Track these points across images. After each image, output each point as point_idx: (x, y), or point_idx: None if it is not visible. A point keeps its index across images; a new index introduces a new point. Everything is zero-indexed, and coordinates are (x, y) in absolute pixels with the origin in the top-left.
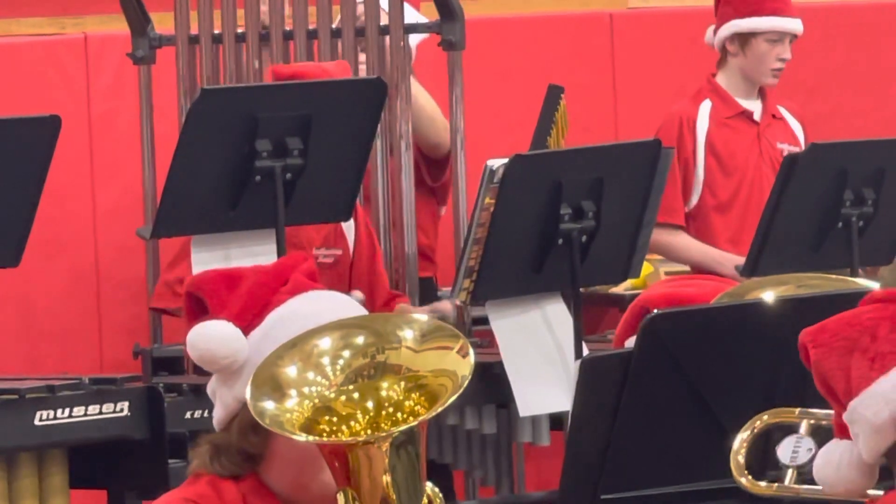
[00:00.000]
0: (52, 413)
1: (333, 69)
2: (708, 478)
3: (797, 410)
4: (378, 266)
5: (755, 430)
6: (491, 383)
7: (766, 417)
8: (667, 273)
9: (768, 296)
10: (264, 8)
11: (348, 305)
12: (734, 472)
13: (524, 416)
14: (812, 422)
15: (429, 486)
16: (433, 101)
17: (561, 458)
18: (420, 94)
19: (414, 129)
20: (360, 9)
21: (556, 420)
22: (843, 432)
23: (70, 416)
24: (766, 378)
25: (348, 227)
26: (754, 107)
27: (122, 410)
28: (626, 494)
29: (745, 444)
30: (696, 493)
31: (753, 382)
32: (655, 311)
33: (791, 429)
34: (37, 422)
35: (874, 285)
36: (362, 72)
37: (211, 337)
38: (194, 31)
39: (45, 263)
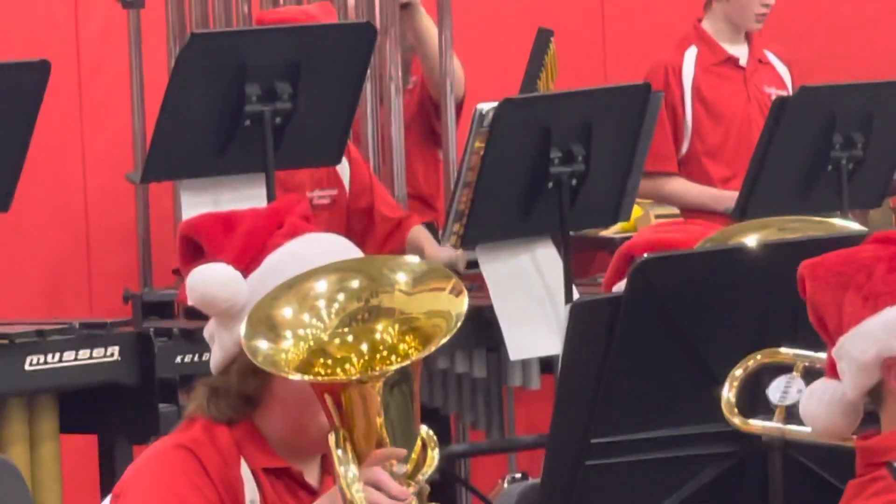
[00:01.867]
0: (42, 358)
1: (318, 12)
2: (697, 422)
3: (791, 352)
4: (377, 198)
5: (748, 369)
6: (481, 327)
7: (759, 357)
8: (657, 216)
9: (750, 240)
10: None
11: (345, 247)
12: (724, 410)
13: (514, 359)
14: (806, 364)
15: (424, 429)
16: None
17: (551, 402)
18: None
19: (431, 75)
20: None
21: (546, 364)
22: (834, 368)
23: (60, 360)
24: (755, 322)
25: (342, 167)
26: (740, 52)
27: (112, 355)
28: (615, 438)
29: (736, 383)
30: (686, 437)
31: (743, 327)
32: (645, 255)
33: (783, 370)
34: (27, 367)
35: (856, 226)
36: (352, 15)
37: (211, 280)
38: None
39: (35, 209)
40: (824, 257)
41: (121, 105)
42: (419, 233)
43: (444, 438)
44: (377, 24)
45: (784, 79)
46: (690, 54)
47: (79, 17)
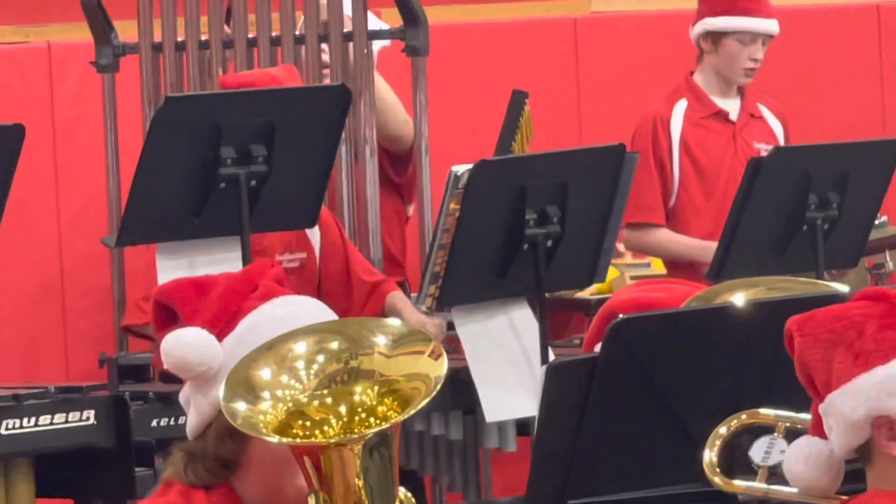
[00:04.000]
0: (17, 422)
1: (282, 75)
2: (673, 482)
3: (773, 413)
4: (353, 262)
5: (731, 430)
6: (457, 389)
7: (743, 417)
8: (633, 277)
9: (738, 299)
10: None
11: (319, 309)
12: (706, 470)
13: (491, 421)
14: (787, 424)
15: (402, 491)
16: (393, 94)
17: (527, 464)
18: (381, 87)
19: (381, 125)
20: (324, 15)
21: (522, 426)
22: (819, 425)
23: (36, 424)
24: (731, 382)
25: (312, 230)
26: (731, 106)
27: (88, 419)
28: (592, 499)
29: (718, 443)
30: (663, 497)
31: (718, 386)
32: (621, 315)
33: (765, 430)
34: (3, 431)
35: (843, 288)
36: (326, 79)
37: (185, 344)
38: (158, 38)
39: (10, 272)
40: (813, 314)
41: (95, 168)
42: (397, 299)
43: (420, 501)
44: (351, 86)
45: (776, 133)
46: (680, 107)
47: (53, 80)
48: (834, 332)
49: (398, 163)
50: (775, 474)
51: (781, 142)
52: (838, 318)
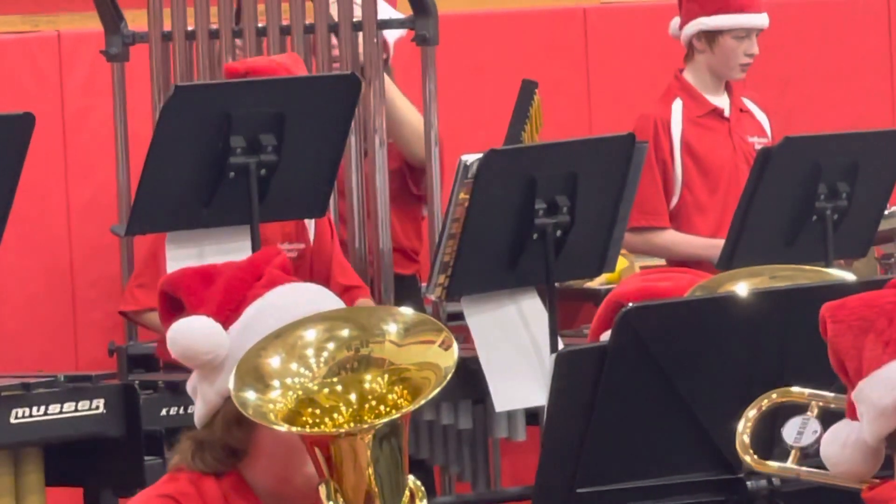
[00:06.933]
0: (27, 411)
1: (288, 62)
2: (684, 471)
3: (805, 391)
4: (335, 263)
5: (762, 409)
6: (467, 379)
7: (774, 396)
8: (642, 267)
9: (741, 288)
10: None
11: (325, 297)
12: (739, 450)
13: (500, 411)
14: (821, 404)
15: (411, 479)
16: (419, 114)
17: (537, 454)
18: (409, 110)
19: (404, 145)
20: (334, 5)
21: (532, 415)
22: (854, 411)
23: (46, 413)
24: (742, 371)
25: (309, 221)
26: (723, 103)
27: (97, 408)
28: (601, 488)
29: (750, 423)
30: (672, 486)
31: (730, 375)
32: (630, 304)
33: (797, 409)
34: (12, 420)
35: (848, 276)
36: (336, 68)
37: (192, 333)
38: (167, 27)
39: (20, 261)
40: (846, 300)
41: (105, 157)
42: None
43: (429, 490)
44: (361, 75)
45: (764, 126)
46: (677, 107)
47: (63, 70)
48: (865, 318)
49: (421, 177)
50: (807, 455)
51: (769, 134)
52: (870, 306)
